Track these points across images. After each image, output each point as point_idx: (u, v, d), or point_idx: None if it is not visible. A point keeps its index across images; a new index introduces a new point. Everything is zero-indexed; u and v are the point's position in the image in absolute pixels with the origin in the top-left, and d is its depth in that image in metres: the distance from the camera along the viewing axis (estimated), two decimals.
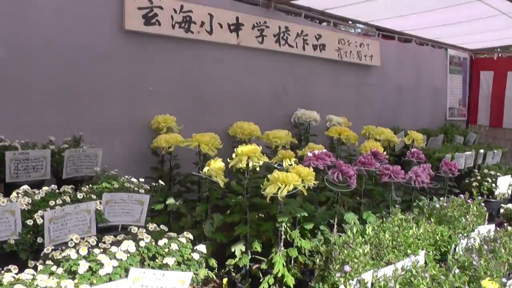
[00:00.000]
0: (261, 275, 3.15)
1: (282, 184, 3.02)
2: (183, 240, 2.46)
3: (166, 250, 2.36)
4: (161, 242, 2.37)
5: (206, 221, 3.50)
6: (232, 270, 3.53)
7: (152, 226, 2.64)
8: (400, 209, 4.29)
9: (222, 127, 4.60)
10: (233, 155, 3.47)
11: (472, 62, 8.28)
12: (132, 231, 2.53)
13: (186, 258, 2.39)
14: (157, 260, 2.32)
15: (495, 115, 7.91)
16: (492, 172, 5.45)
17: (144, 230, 2.53)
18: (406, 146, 6.10)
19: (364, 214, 3.77)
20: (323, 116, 5.32)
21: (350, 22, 6.37)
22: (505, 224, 4.39)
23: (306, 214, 3.24)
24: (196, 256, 2.40)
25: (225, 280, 3.52)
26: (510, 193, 5.55)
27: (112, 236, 2.48)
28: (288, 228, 3.18)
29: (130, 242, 2.23)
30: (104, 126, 3.87)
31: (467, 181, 5.52)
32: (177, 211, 3.67)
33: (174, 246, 2.35)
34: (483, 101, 8.11)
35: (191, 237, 2.53)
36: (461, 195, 4.44)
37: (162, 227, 2.70)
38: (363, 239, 3.18)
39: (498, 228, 4.13)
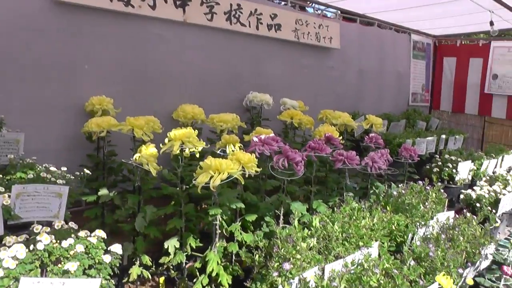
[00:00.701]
0: (197, 273, 2.83)
1: (215, 172, 2.69)
2: (93, 240, 2.10)
3: (72, 252, 2.00)
4: (65, 244, 2.00)
5: (138, 214, 3.16)
6: (171, 267, 3.21)
7: (59, 224, 2.26)
8: (356, 197, 4.07)
9: (167, 110, 4.25)
10: (166, 140, 3.12)
11: (435, 48, 8.12)
12: (34, 230, 2.15)
13: (97, 262, 2.04)
14: (60, 266, 1.96)
15: (458, 101, 7.80)
16: (453, 158, 5.28)
17: (49, 229, 2.15)
18: (366, 132, 5.89)
19: (314, 204, 3.50)
20: (279, 100, 5.03)
21: (309, 3, 6.07)
22: (464, 210, 4.20)
23: (243, 205, 2.92)
24: (107, 258, 2.05)
25: (161, 279, 3.19)
26: (470, 178, 5.40)
27: (14, 237, 2.11)
28: (223, 222, 2.86)
29: (20, 246, 1.86)
30: (33, 108, 3.49)
31: (428, 167, 5.34)
32: (112, 203, 3.32)
33: (79, 248, 1.99)
34: (446, 87, 7.98)
35: (104, 235, 2.17)
36: (420, 182, 4.23)
37: (72, 224, 2.31)
38: (309, 231, 2.90)
39: (457, 215, 3.94)
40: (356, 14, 6.36)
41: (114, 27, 3.93)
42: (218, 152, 3.58)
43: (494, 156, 6.05)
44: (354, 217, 3.14)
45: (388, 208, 3.61)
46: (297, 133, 4.87)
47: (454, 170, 5.10)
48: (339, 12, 6.22)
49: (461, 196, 4.90)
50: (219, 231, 2.86)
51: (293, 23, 5.33)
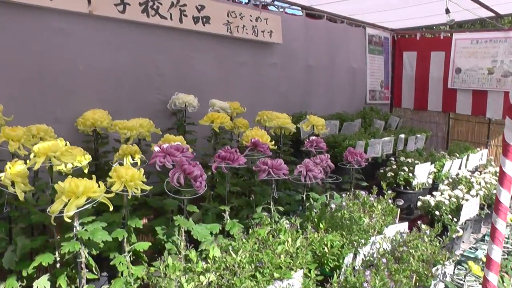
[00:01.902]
0: None
1: (70, 198, 2.03)
2: None
3: None
4: None
5: (8, 247, 2.49)
6: None
7: None
8: (292, 213, 3.46)
9: (73, 117, 3.58)
10: (31, 156, 2.46)
11: (394, 43, 7.59)
12: None
13: None
14: None
15: (420, 97, 7.26)
16: (410, 160, 4.71)
17: None
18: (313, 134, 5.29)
19: (228, 225, 2.86)
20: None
21: None
22: (419, 222, 3.62)
23: (109, 238, 2.26)
24: None
25: None
26: (431, 182, 4.83)
27: None
28: (88, 258, 2.20)
29: None
30: None
31: (381, 171, 4.75)
32: None
33: None
34: (407, 83, 7.44)
35: None
36: (363, 192, 3.64)
37: None
38: (207, 264, 2.26)
39: (414, 226, 3.38)
40: (302, 7, 5.78)
41: (5, 20, 3.28)
42: (114, 165, 2.94)
43: (458, 155, 5.51)
44: (269, 242, 2.51)
45: (321, 225, 2.99)
46: (227, 138, 4.25)
47: (411, 174, 4.51)
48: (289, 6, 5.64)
49: (419, 203, 4.33)
50: (86, 270, 2.19)
51: (225, 16, 4.69)
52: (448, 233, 3.34)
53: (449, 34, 7.01)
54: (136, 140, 3.49)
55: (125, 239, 2.48)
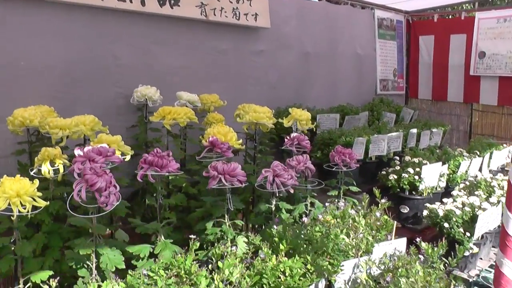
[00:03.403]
0: None
1: None
2: None
3: None
4: None
5: None
6: None
7: None
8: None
9: None
10: None
11: (409, 26, 6.78)
12: None
13: None
14: None
15: (438, 86, 6.43)
16: (416, 160, 3.98)
17: None
18: (311, 130, 4.64)
19: (158, 247, 2.25)
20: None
21: None
22: (418, 239, 2.92)
23: None
24: None
25: None
26: (443, 185, 4.10)
27: None
28: None
29: None
30: None
31: (383, 172, 4.05)
32: None
33: None
34: (423, 71, 6.61)
35: None
36: (339, 200, 2.97)
37: None
38: None
39: (417, 240, 2.73)
40: None
41: None
42: (32, 173, 2.40)
43: (479, 153, 4.72)
44: (191, 275, 1.89)
45: (281, 246, 2.34)
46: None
47: (416, 177, 3.80)
48: None
49: (424, 213, 3.61)
50: None
51: None
52: (458, 250, 2.68)
53: (471, 14, 6.17)
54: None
55: (19, 269, 1.93)
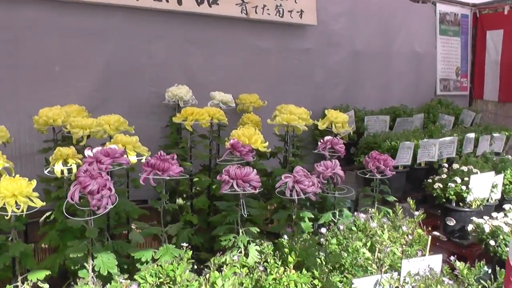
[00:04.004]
0: None
1: None
2: None
3: None
4: None
5: None
6: None
7: None
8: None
9: None
10: None
11: (476, 21, 6.26)
12: None
13: None
14: None
15: (506, 87, 5.86)
16: (465, 168, 3.66)
17: None
18: (359, 133, 4.45)
19: (159, 252, 2.22)
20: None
21: None
22: (453, 257, 2.68)
23: None
24: None
25: None
26: (498, 197, 3.74)
27: None
28: None
29: None
30: None
31: (430, 180, 3.77)
32: None
33: None
34: (490, 69, 6.06)
35: None
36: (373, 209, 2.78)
37: None
38: None
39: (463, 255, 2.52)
40: None
41: None
42: (46, 172, 2.48)
43: None
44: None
45: (290, 258, 2.23)
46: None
47: (464, 187, 3.49)
48: None
49: (469, 227, 3.32)
50: None
51: None
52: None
53: None
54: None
55: (17, 266, 1.99)
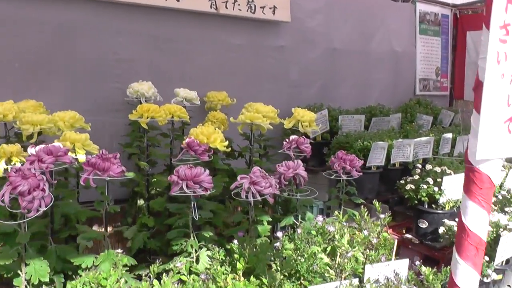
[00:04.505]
0: None
1: None
2: None
3: None
4: None
5: None
6: None
7: None
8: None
9: None
10: None
11: (456, 21, 6.17)
12: None
13: None
14: None
15: None
16: (438, 169, 3.55)
17: None
18: (332, 132, 4.32)
19: (99, 258, 2.07)
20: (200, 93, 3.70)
21: None
22: (418, 261, 2.56)
23: None
24: None
25: None
26: None
27: None
28: None
29: None
30: None
31: (402, 181, 3.65)
32: None
33: None
34: (470, 70, 5.98)
35: None
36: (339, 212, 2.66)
37: None
38: None
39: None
40: None
41: None
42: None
43: None
44: None
45: (239, 264, 2.09)
46: None
47: (436, 188, 3.38)
48: None
49: (441, 230, 3.20)
50: None
51: None
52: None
53: None
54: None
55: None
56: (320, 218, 2.52)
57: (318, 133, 4.11)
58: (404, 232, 3.71)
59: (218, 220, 2.73)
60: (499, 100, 1.47)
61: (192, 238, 2.39)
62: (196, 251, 2.37)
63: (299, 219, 2.79)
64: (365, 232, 2.38)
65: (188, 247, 2.31)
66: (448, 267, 2.53)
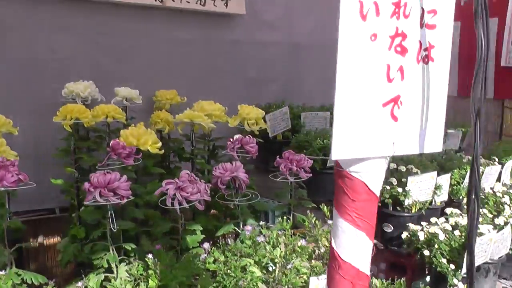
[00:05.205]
0: None
1: None
2: None
3: None
4: None
5: None
6: None
7: None
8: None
9: None
10: None
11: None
12: None
13: None
14: None
15: (464, 81, 5.48)
16: (403, 168, 3.26)
17: None
18: (294, 131, 4.03)
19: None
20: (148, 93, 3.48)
21: None
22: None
23: None
24: None
25: None
26: (441, 200, 3.34)
27: None
28: None
29: None
30: None
31: None
32: None
33: None
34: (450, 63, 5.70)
35: None
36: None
37: None
38: None
39: None
40: None
41: None
42: None
43: (498, 160, 3.89)
44: None
45: (152, 282, 1.78)
46: None
47: (400, 190, 3.08)
48: None
49: (404, 235, 2.91)
50: None
51: None
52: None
53: None
54: None
55: None
56: (248, 227, 2.21)
57: (279, 131, 3.84)
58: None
59: (158, 232, 2.42)
60: (372, 74, 1.05)
61: (111, 251, 2.09)
62: (117, 266, 2.07)
63: (241, 227, 2.49)
64: (303, 242, 2.07)
65: (103, 263, 2.00)
66: (401, 279, 2.24)
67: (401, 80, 1.11)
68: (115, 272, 2.05)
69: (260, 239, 2.01)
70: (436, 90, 1.20)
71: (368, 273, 1.16)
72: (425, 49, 1.15)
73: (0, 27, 3.08)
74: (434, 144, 1.20)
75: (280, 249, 2.02)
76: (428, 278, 2.75)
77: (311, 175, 2.67)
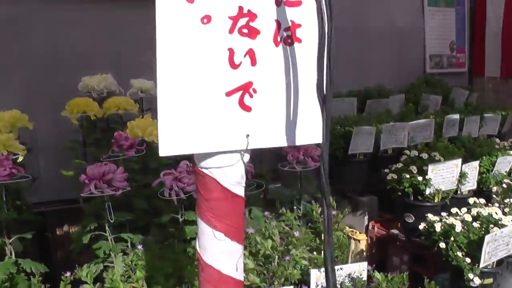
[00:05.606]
0: None
1: None
2: None
3: None
4: None
5: None
6: None
7: None
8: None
9: None
10: None
11: None
12: None
13: None
14: None
15: (509, 60, 5.12)
16: (424, 155, 3.10)
17: None
18: None
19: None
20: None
21: None
22: (369, 267, 2.17)
23: None
24: None
25: None
26: (467, 189, 3.17)
27: None
28: None
29: None
30: None
31: (387, 170, 3.22)
32: None
33: None
34: (491, 42, 5.30)
35: None
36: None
37: None
38: None
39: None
40: None
41: None
42: None
43: None
44: None
45: (139, 273, 1.81)
46: None
47: (420, 178, 2.94)
48: None
49: (421, 226, 2.78)
50: None
51: None
52: None
53: None
54: None
55: None
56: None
57: None
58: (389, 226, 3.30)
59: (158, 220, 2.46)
60: (207, 61, 0.95)
61: (110, 241, 2.15)
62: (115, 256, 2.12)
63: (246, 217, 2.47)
64: (297, 233, 2.02)
65: (101, 253, 2.06)
66: (404, 274, 2.14)
67: (252, 66, 0.98)
68: (115, 262, 2.10)
69: (250, 230, 1.98)
70: (305, 74, 1.04)
71: (236, 276, 1.08)
72: (287, 29, 1.00)
73: (19, 24, 3.18)
74: (311, 135, 1.07)
75: (273, 240, 1.99)
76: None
77: (319, 164, 2.60)
